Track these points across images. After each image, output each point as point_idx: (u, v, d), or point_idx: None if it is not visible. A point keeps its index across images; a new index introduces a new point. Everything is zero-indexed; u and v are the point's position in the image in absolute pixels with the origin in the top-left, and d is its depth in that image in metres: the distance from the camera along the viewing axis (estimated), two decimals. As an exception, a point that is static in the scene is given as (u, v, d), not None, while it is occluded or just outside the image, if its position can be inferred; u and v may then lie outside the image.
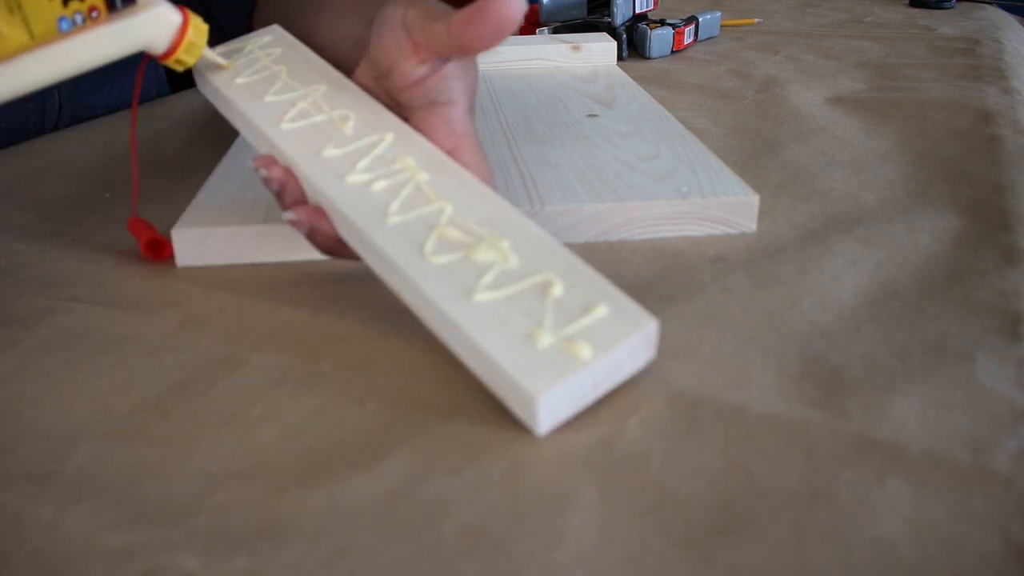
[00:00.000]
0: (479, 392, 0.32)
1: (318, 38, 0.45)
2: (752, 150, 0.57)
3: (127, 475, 0.28)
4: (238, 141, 0.54)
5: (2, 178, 0.55)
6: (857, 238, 0.43)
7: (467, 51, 0.36)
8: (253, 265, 0.42)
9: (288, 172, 0.38)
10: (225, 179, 0.48)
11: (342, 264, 0.42)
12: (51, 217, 0.48)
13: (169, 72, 0.82)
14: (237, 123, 0.42)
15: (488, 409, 0.31)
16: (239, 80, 0.42)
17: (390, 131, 0.39)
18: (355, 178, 0.36)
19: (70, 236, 0.46)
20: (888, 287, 0.38)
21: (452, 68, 0.38)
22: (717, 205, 0.44)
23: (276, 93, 0.41)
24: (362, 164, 0.37)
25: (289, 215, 0.37)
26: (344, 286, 0.40)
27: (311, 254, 0.42)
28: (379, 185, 0.36)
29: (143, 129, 0.63)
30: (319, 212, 0.37)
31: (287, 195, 0.38)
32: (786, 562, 0.24)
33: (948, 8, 1.09)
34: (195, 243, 0.42)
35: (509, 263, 0.32)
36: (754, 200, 0.44)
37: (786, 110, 0.66)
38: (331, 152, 0.38)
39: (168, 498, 0.27)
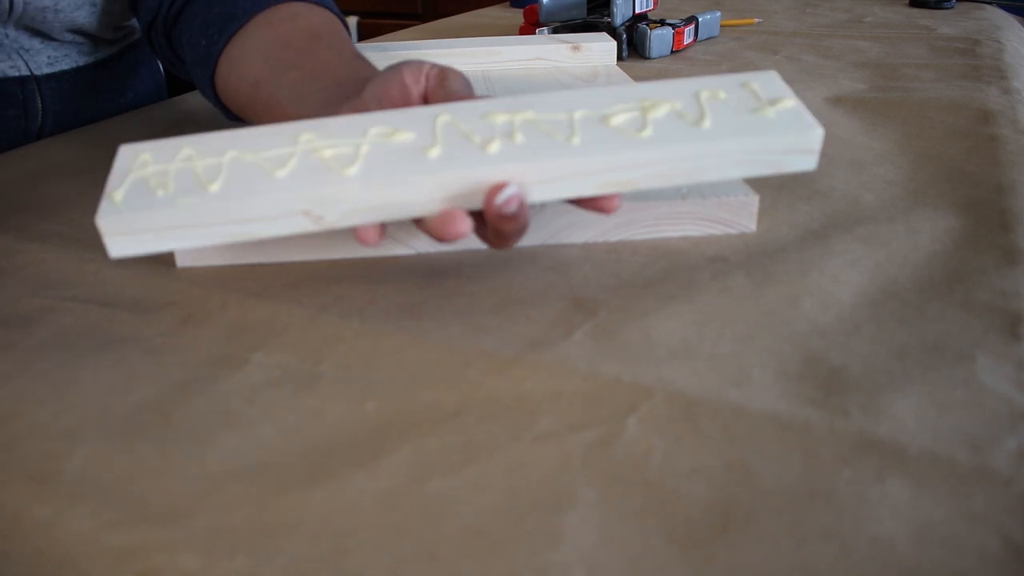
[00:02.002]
0: (479, 392, 0.32)
1: (284, 92, 0.46)
2: (752, 150, 0.57)
3: (127, 475, 0.28)
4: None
5: (2, 179, 0.55)
6: (857, 238, 0.43)
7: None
8: (253, 265, 0.42)
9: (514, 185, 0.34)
10: (225, 179, 0.48)
11: (342, 264, 0.42)
12: (51, 217, 0.48)
13: (169, 78, 0.82)
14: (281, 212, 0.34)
15: (488, 409, 0.31)
16: (213, 188, 0.34)
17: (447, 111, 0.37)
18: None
19: (70, 236, 0.46)
20: (888, 287, 0.38)
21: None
22: (717, 205, 0.44)
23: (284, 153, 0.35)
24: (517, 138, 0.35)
25: (509, 190, 0.34)
26: (344, 286, 0.40)
27: (311, 254, 0.42)
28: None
29: (143, 132, 0.63)
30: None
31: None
32: (786, 562, 0.24)
33: (948, 8, 1.09)
34: None
35: (676, 106, 0.36)
36: (754, 200, 0.44)
37: (786, 110, 0.66)
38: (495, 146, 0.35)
39: (168, 498, 0.27)
